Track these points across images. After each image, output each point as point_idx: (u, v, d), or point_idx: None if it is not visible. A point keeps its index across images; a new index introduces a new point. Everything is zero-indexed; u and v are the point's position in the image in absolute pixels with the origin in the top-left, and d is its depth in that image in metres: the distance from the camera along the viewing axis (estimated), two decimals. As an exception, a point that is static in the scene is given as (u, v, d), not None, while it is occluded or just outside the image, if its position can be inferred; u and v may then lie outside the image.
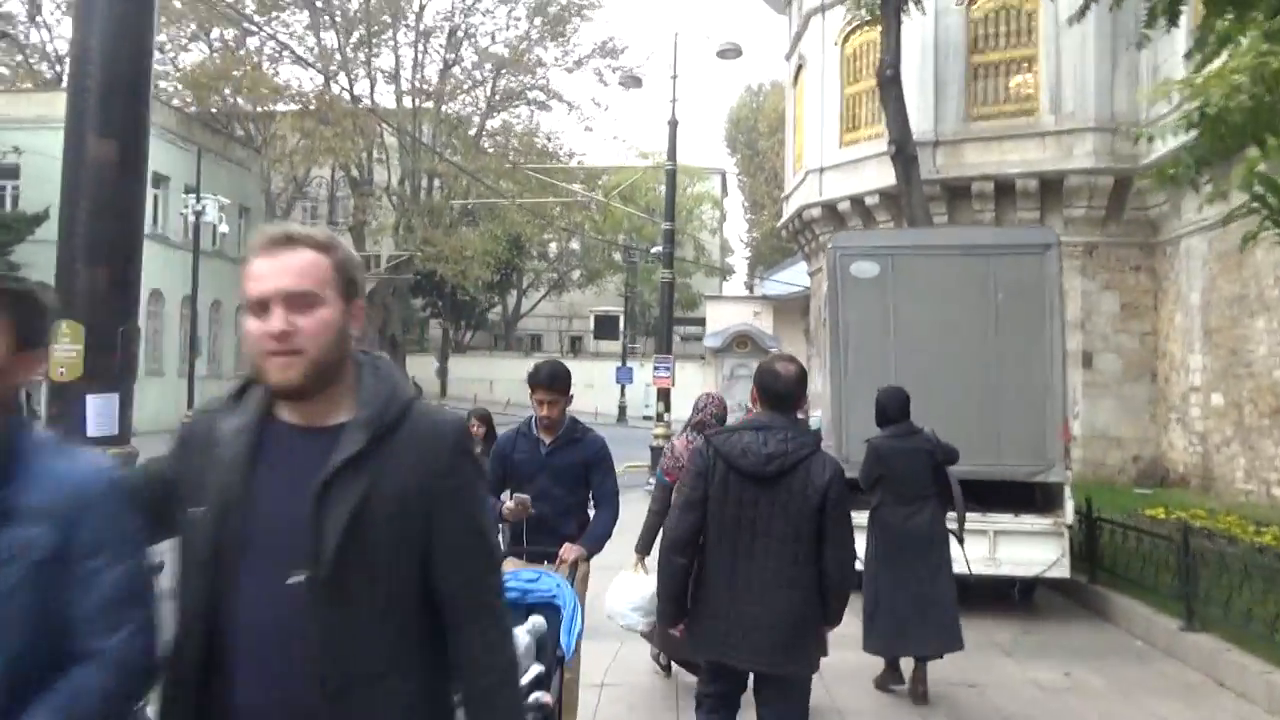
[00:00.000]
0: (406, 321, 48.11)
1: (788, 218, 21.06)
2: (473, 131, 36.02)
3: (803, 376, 3.41)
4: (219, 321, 32.47)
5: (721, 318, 45.93)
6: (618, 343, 48.21)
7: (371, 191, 32.89)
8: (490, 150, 35.08)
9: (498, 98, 35.94)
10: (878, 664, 5.82)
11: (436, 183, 35.55)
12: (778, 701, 3.31)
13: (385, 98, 34.67)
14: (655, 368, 17.09)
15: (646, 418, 42.42)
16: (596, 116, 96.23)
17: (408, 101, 33.53)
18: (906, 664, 5.73)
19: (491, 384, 47.01)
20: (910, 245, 7.41)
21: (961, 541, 5.66)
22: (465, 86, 34.92)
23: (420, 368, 44.64)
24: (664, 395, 16.73)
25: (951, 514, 5.61)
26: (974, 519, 7.01)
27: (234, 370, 33.49)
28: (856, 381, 7.09)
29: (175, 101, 30.82)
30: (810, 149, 19.23)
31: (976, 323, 7.15)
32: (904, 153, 13.58)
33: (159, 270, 27.47)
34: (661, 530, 3.80)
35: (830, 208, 18.44)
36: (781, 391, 3.31)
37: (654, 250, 32.96)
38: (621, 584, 4.94)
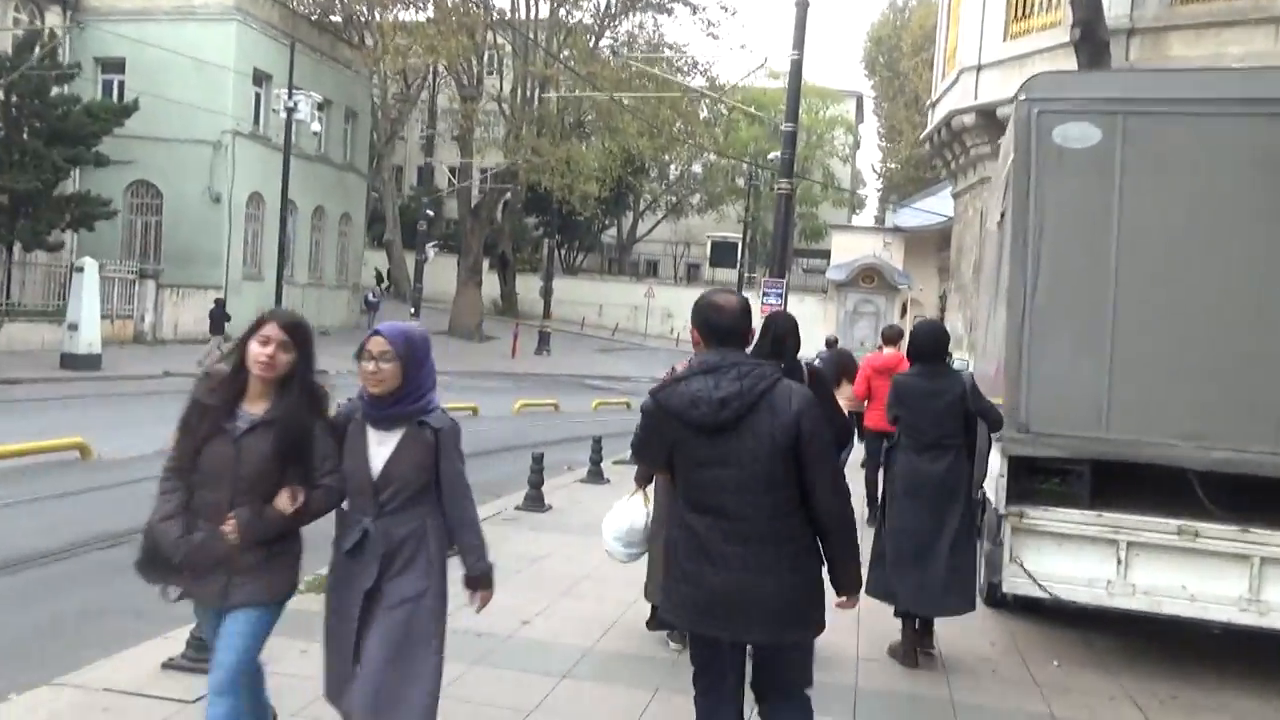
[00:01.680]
0: (518, 239, 46.93)
1: (933, 126, 18.08)
2: (590, 39, 33.66)
3: (747, 309, 3.03)
4: (321, 229, 31.51)
5: (847, 249, 42.94)
6: (734, 271, 46.09)
7: (477, 95, 30.97)
8: (610, 60, 32.67)
9: (617, 4, 33.42)
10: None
11: (551, 94, 33.53)
12: (780, 671, 2.99)
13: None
14: (764, 293, 14.71)
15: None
16: (723, 22, 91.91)
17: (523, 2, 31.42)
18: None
19: (600, 308, 45.45)
20: (1158, 97, 4.64)
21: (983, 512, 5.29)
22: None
23: (529, 288, 43.34)
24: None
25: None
26: (1224, 535, 4.59)
27: (336, 280, 32.69)
28: (1051, 309, 4.65)
29: (281, -5, 29.45)
30: (966, 43, 16.20)
31: (1265, 230, 4.56)
32: (1092, 38, 10.80)
33: (259, 173, 26.55)
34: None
35: (987, 114, 15.49)
36: (727, 325, 2.95)
37: (771, 157, 30.15)
38: (616, 510, 4.79)
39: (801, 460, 2.79)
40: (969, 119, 15.90)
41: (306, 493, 2.86)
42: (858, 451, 8.59)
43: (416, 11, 30.97)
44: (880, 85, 61.99)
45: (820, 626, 2.92)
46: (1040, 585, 4.98)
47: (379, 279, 35.47)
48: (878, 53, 62.14)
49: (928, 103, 21.75)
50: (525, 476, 8.17)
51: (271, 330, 2.85)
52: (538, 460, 7.93)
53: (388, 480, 2.87)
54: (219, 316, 21.16)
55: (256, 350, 2.83)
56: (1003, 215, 5.66)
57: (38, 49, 19.46)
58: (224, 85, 25.72)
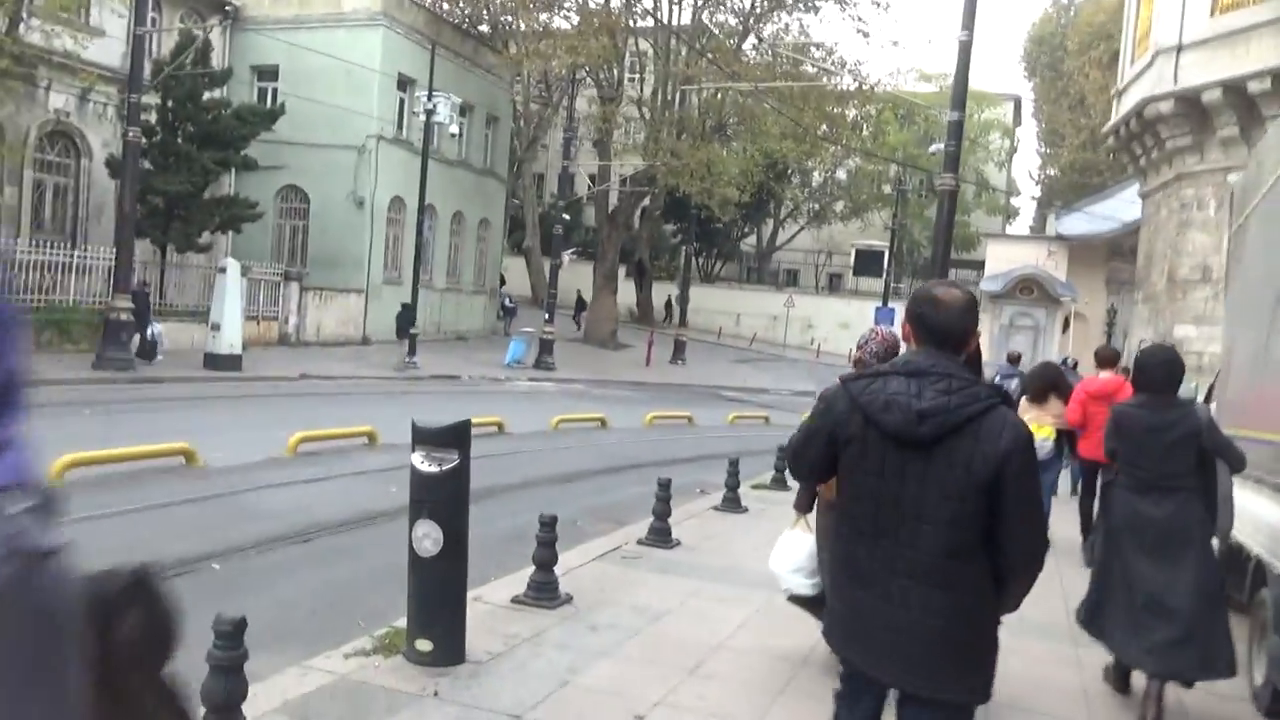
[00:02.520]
0: (656, 247, 46.26)
1: (1120, 118, 16.12)
2: (734, 41, 32.58)
3: (972, 307, 2.56)
4: (460, 233, 31.54)
5: (1004, 259, 40.24)
6: (879, 280, 44.11)
7: (616, 98, 30.33)
8: (753, 62, 31.49)
9: (763, 4, 32.21)
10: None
11: (692, 95, 32.63)
12: None
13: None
14: (876, 319, 13.29)
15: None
16: (874, 19, 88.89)
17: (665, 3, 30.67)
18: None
19: (738, 317, 44.25)
20: None
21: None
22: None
23: (665, 296, 42.60)
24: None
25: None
26: None
27: (474, 286, 32.72)
28: None
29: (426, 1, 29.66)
30: (1163, 22, 14.28)
31: None
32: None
33: (401, 177, 26.70)
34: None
35: (1189, 100, 13.60)
36: (944, 324, 2.51)
37: (933, 150, 28.14)
38: (783, 544, 4.61)
39: (1001, 505, 2.41)
40: (1165, 107, 13.99)
41: None
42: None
43: (559, 14, 30.65)
44: (1041, 87, 58.62)
45: (984, 696, 2.53)
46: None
47: (500, 281, 35.55)
48: (1039, 52, 58.92)
49: (1113, 92, 19.62)
50: (653, 500, 7.15)
51: None
52: (664, 487, 6.86)
53: None
54: (406, 320, 21.75)
55: None
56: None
57: (190, 54, 19.88)
58: (369, 90, 25.99)
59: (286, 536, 6.53)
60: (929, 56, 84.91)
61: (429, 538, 4.02)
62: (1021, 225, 65.08)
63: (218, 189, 22.67)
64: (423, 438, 4.13)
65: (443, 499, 4.06)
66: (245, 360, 18.52)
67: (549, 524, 5.10)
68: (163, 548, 5.89)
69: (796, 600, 4.60)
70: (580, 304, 43.23)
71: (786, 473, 10.18)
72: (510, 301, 34.16)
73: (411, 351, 21.94)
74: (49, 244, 19.22)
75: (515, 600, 5.09)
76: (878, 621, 2.48)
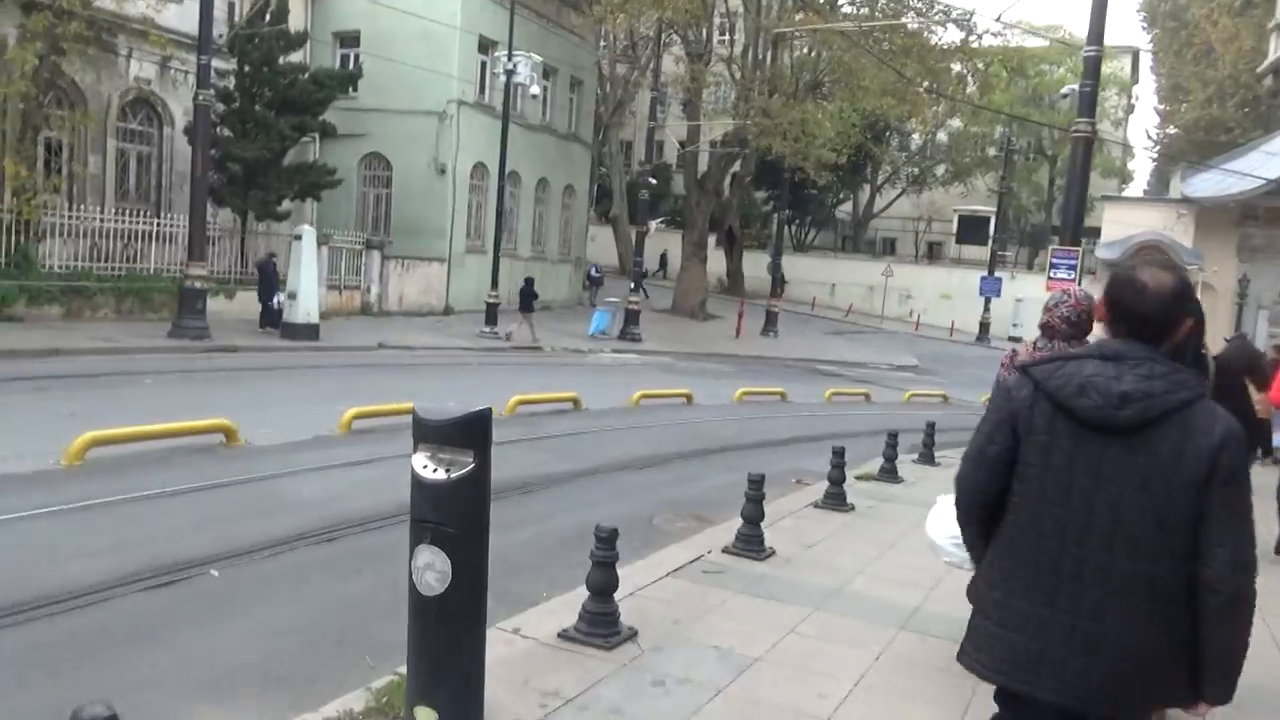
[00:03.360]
0: (747, 215, 44.62)
1: (1278, 57, 14.03)
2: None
3: (1181, 294, 2.25)
4: (544, 201, 30.65)
5: (1123, 223, 37.30)
6: (985, 249, 41.74)
7: (704, 54, 28.81)
8: (850, 15, 29.55)
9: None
10: None
11: (784, 56, 30.89)
12: None
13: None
14: (1052, 265, 11.61)
15: (1014, 338, 36.09)
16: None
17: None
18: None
19: (833, 288, 42.49)
20: None
21: None
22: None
23: (757, 265, 41.03)
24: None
25: None
26: None
27: (559, 254, 31.85)
28: None
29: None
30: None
31: None
32: None
33: (483, 143, 25.90)
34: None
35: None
36: (1145, 312, 2.25)
37: (1064, 93, 25.88)
38: (941, 510, 4.09)
39: (1207, 504, 2.13)
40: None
41: None
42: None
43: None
44: (1162, 38, 54.55)
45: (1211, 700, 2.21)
46: None
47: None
48: (1158, 5, 54.82)
49: (1270, 25, 17.30)
50: (742, 493, 5.97)
51: None
52: (755, 484, 5.66)
53: None
54: (528, 294, 21.57)
55: None
56: None
57: (265, 15, 19.32)
58: (450, 53, 25.20)
59: (307, 534, 5.61)
60: (1038, 6, 79.72)
61: (432, 569, 2.97)
62: (1135, 190, 61.06)
63: (303, 156, 22.24)
64: (426, 433, 3.07)
65: (453, 517, 2.99)
66: (324, 330, 18.00)
67: (607, 539, 3.97)
68: (159, 548, 5.02)
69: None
70: (663, 262, 41.95)
71: (898, 463, 8.90)
72: (597, 271, 33.19)
73: (490, 320, 21.17)
74: (132, 212, 19.03)
75: (563, 635, 4.01)
76: (1062, 641, 2.22)
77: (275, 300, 17.70)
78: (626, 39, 33.59)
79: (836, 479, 7.34)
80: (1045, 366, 2.28)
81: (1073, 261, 11.42)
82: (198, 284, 16.29)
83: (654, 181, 28.22)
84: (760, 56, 30.04)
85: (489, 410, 3.05)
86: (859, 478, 8.43)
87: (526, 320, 21.33)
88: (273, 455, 7.69)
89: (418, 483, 3.02)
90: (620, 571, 4.09)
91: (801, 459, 9.92)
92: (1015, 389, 2.29)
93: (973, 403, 16.86)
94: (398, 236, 25.42)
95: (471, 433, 3.02)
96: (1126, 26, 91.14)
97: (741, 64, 30.37)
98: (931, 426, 10.39)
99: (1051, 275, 11.56)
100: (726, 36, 32.68)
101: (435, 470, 3.00)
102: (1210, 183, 40.08)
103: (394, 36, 24.51)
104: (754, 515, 5.73)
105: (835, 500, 7.27)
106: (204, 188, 16.79)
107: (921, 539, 4.54)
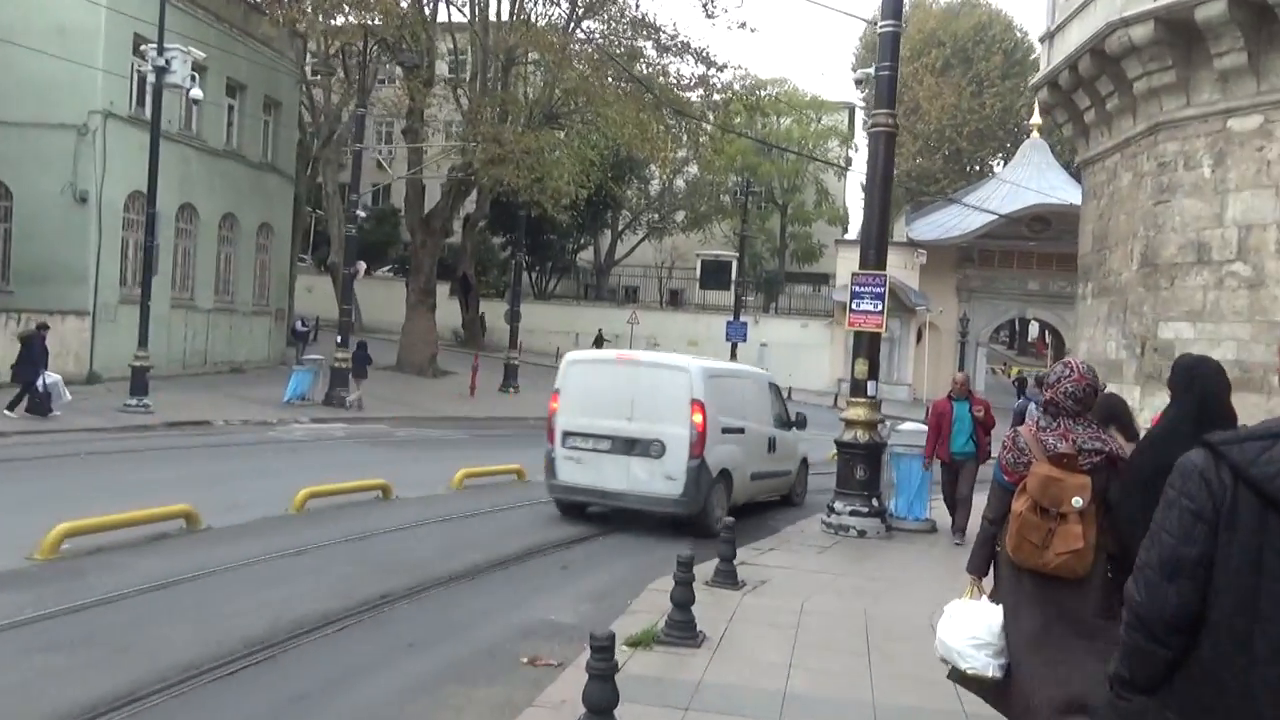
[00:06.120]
0: (483, 261, 41.08)
1: (1053, 68, 12.57)
2: (567, 20, 28.14)
3: None
4: (232, 241, 25.42)
5: (854, 267, 37.44)
6: (728, 293, 40.85)
7: (421, 64, 25.09)
8: (580, 64, 26.99)
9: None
10: None
11: (520, 85, 27.95)
12: None
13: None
14: (854, 292, 9.03)
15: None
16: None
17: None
18: None
19: (576, 336, 39.77)
20: None
21: None
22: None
23: (496, 315, 37.53)
24: (869, 344, 8.68)
25: None
26: None
27: (254, 305, 26.63)
28: None
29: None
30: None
31: None
32: None
33: (141, 165, 20.50)
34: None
35: (1174, 21, 10.13)
36: None
37: (859, 76, 24.59)
38: (957, 615, 3.80)
39: None
40: (1140, 33, 10.42)
41: None
42: None
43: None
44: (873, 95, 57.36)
45: None
46: None
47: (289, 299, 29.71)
48: (871, 60, 57.73)
49: (1037, 39, 16.26)
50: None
51: None
52: None
53: None
54: (362, 359, 20.60)
55: None
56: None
57: None
58: (93, 53, 19.89)
59: None
60: (773, 56, 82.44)
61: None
62: (852, 236, 63.95)
63: None
64: None
65: None
66: None
67: None
68: None
69: (967, 681, 3.61)
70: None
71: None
72: (304, 324, 28.16)
73: (138, 391, 16.07)
74: None
75: None
76: None
77: (40, 381, 14.89)
78: (329, 49, 29.14)
79: (602, 669, 3.88)
80: (1241, 449, 1.91)
81: (879, 290, 8.88)
82: None
83: (363, 213, 24.05)
84: (489, 80, 26.88)
85: None
86: (630, 643, 5.03)
87: (358, 384, 20.43)
88: None
89: None
90: None
91: (542, 597, 6.44)
92: (1205, 476, 1.92)
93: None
94: (19, 284, 19.57)
95: None
96: (843, 84, 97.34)
97: (470, 89, 27.05)
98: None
99: (854, 308, 8.97)
100: (452, 58, 29.34)
101: None
102: (931, 226, 41.62)
103: (15, 29, 18.91)
104: None
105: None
106: None
107: None
